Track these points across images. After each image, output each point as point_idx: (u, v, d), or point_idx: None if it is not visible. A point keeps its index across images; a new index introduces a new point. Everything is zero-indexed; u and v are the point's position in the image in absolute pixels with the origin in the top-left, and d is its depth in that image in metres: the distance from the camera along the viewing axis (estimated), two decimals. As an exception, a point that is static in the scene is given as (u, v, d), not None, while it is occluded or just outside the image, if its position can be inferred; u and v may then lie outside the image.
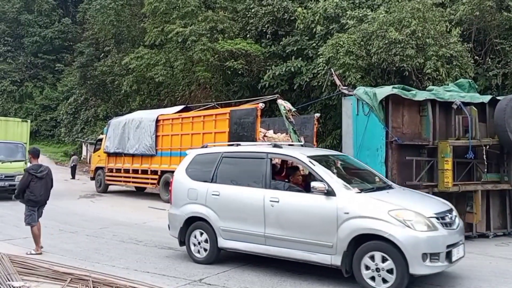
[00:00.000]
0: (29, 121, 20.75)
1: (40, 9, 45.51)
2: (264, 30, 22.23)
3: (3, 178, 16.51)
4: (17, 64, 45.92)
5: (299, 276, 7.01)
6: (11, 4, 45.98)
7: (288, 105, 13.29)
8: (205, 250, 7.69)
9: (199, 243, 7.76)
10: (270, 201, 6.92)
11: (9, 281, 6.26)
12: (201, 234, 7.73)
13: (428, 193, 9.81)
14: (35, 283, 6.37)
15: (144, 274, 6.97)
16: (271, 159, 7.33)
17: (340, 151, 11.24)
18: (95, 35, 34.50)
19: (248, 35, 22.96)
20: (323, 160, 7.39)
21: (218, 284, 6.53)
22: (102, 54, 34.07)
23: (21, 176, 15.45)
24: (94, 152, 22.77)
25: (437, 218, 6.20)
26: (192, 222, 7.88)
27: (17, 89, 45.51)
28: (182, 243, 8.10)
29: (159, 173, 17.66)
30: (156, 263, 7.73)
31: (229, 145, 8.90)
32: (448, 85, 12.44)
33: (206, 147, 8.74)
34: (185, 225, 7.96)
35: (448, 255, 6.13)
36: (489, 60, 16.43)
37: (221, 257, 8.08)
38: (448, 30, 15.84)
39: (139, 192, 21.00)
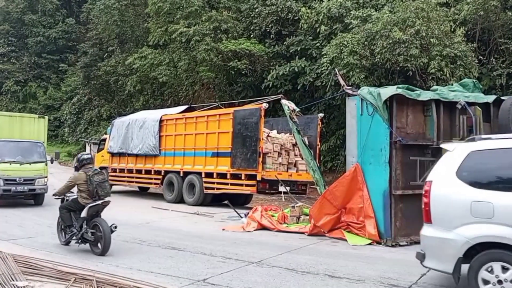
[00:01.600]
0: (46, 117, 18.39)
1: (44, 9, 45.57)
2: (268, 30, 22.24)
3: (22, 182, 14.76)
4: (21, 64, 46.00)
5: (303, 276, 7.00)
6: (15, 4, 46.04)
7: (292, 105, 13.27)
8: None
9: (499, 281, 5.35)
10: None
11: (13, 281, 6.26)
12: (505, 269, 5.32)
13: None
14: (39, 283, 6.37)
15: (148, 274, 6.97)
16: None
17: (344, 151, 11.21)
18: (99, 35, 34.53)
19: (251, 35, 22.97)
20: None
21: (221, 284, 6.52)
22: (106, 54, 34.12)
23: (42, 179, 15.12)
24: (97, 152, 22.79)
25: None
26: (481, 251, 5.52)
27: (21, 89, 45.60)
28: (459, 279, 5.74)
29: (162, 173, 17.66)
30: (159, 263, 7.71)
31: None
32: (452, 85, 12.40)
33: (476, 140, 6.17)
34: (465, 255, 5.63)
35: None
36: (494, 60, 16.40)
37: (226, 257, 8.07)
38: (452, 29, 15.80)
39: (143, 192, 21.04)
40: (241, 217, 12.59)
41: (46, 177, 15.34)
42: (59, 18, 46.56)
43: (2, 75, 45.09)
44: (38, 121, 17.59)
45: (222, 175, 15.41)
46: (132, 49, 30.41)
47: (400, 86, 10.45)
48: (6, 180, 14.53)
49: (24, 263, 7.09)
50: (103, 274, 6.71)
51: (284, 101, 13.50)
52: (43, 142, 16.45)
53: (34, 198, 15.60)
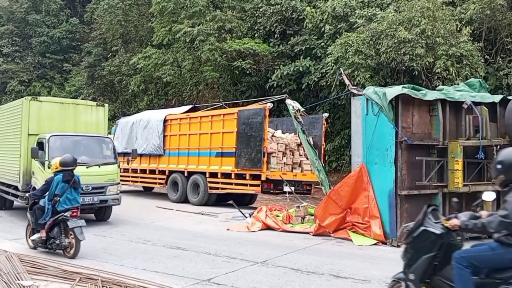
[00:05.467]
0: (106, 105, 13.72)
1: (48, 9, 45.64)
2: (272, 30, 22.20)
3: (91, 191, 11.09)
4: (25, 64, 46.07)
5: (308, 276, 6.96)
6: (19, 4, 46.13)
7: (296, 105, 13.24)
8: None
9: None
10: None
11: (18, 280, 6.26)
12: None
13: (437, 193, 9.79)
14: (44, 282, 6.37)
15: (152, 274, 6.95)
16: None
17: (349, 151, 11.18)
18: (103, 35, 34.57)
19: (256, 35, 22.93)
20: None
21: (226, 284, 6.50)
22: (110, 54, 34.13)
23: (115, 187, 11.66)
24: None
25: None
26: None
27: (25, 89, 45.61)
28: None
29: (167, 173, 17.65)
30: (164, 263, 7.70)
31: None
32: (458, 84, 12.37)
33: None
34: None
35: None
36: (500, 59, 16.30)
37: (231, 256, 8.04)
38: (458, 29, 15.71)
39: (147, 192, 21.03)
40: (246, 217, 12.56)
41: (119, 183, 12.31)
42: (63, 18, 46.61)
43: (6, 75, 45.16)
44: (96, 109, 13.12)
45: (227, 175, 15.37)
46: (136, 49, 30.43)
47: (405, 85, 10.42)
48: None
49: (29, 263, 7.10)
50: (108, 273, 6.70)
51: (288, 101, 13.47)
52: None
53: (98, 212, 12.23)
